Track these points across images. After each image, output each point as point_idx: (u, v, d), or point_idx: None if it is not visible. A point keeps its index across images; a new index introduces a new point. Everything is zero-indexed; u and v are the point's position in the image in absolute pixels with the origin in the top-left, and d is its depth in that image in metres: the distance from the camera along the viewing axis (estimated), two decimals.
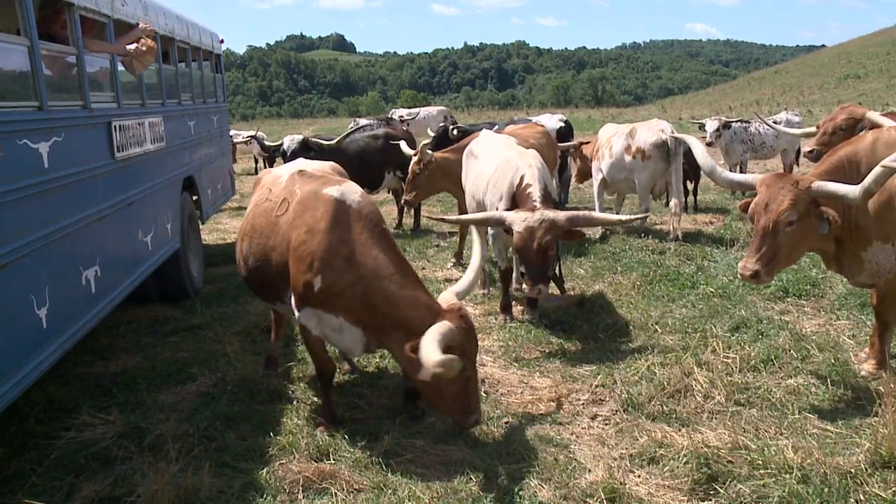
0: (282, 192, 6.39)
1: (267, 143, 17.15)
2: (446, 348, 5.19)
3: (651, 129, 12.40)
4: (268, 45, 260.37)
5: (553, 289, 8.41)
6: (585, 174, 14.42)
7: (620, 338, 8.05)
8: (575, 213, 7.72)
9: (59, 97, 6.25)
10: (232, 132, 21.11)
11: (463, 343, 5.42)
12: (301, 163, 7.17)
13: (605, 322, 8.47)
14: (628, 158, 12.46)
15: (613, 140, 12.85)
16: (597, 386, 6.89)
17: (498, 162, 8.73)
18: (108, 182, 7.01)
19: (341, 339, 5.99)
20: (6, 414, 5.22)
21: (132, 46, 7.58)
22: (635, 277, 10.12)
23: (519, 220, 7.59)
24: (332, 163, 7.37)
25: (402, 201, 12.28)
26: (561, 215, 7.56)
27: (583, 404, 6.60)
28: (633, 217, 8.20)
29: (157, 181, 8.66)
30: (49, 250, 5.55)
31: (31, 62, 5.72)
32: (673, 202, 12.32)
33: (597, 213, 7.75)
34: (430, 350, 5.12)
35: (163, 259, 8.74)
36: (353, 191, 6.04)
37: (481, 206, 8.92)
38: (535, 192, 7.90)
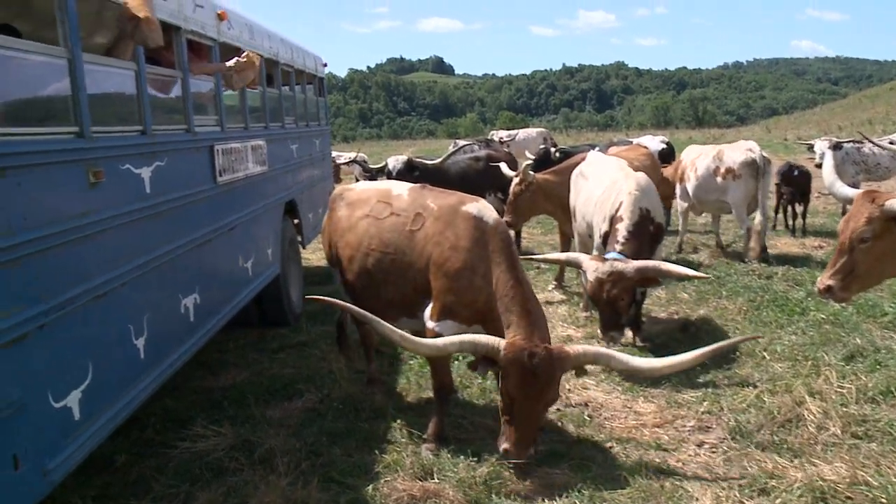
0: (411, 206, 6.48)
1: (369, 165, 17.27)
2: (480, 358, 5.54)
3: (739, 150, 12.38)
4: (368, 67, 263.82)
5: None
6: (667, 197, 14.20)
7: (726, 364, 7.80)
8: (645, 264, 7.62)
9: (162, 121, 6.28)
10: (334, 154, 21.48)
11: (507, 369, 5.40)
12: (373, 181, 7.32)
13: None
14: (719, 179, 12.41)
15: (698, 162, 12.86)
16: (703, 412, 6.75)
17: (606, 184, 8.75)
18: (210, 207, 7.02)
19: None
20: (128, 421, 5.29)
21: (232, 61, 7.60)
22: (741, 302, 9.87)
23: (591, 270, 7.59)
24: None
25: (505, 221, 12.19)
26: (630, 267, 7.47)
27: (689, 431, 6.45)
28: (702, 275, 8.26)
29: (259, 205, 8.66)
30: (149, 278, 5.53)
31: (137, 86, 5.76)
32: (758, 219, 12.14)
33: (667, 265, 7.66)
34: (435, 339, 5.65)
35: (263, 285, 8.73)
36: (488, 208, 6.20)
37: (590, 228, 8.98)
38: (623, 228, 7.98)
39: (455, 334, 5.92)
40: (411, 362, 8.20)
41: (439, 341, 5.59)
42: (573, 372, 5.76)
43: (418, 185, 6.90)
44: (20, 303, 3.90)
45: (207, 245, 6.85)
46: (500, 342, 5.42)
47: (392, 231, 6.42)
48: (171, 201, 6.06)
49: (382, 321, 5.62)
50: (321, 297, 6.09)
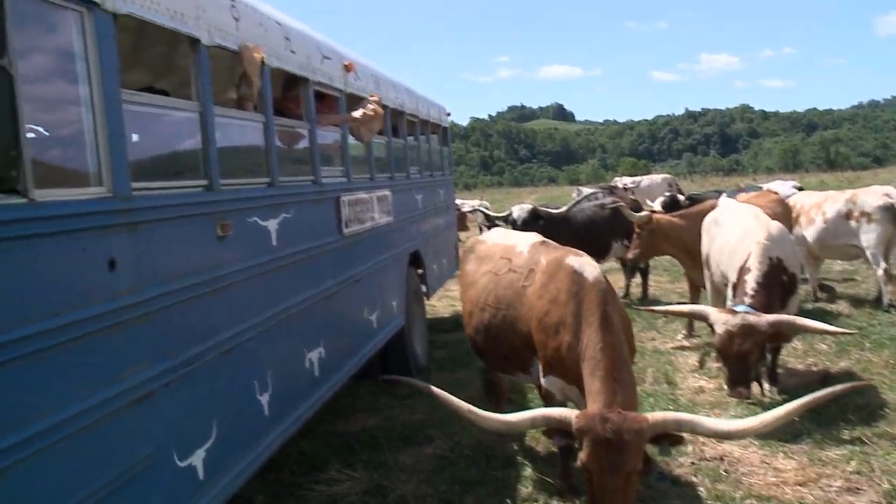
0: (526, 262, 6.41)
1: (490, 213, 17.24)
2: (551, 430, 5.13)
3: (875, 194, 12.10)
4: (489, 116, 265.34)
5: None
6: None
7: (874, 421, 7.37)
8: (779, 318, 7.35)
9: (289, 172, 6.25)
10: (458, 201, 21.56)
11: (580, 441, 4.85)
12: (505, 232, 7.44)
13: (854, 402, 7.77)
14: (852, 223, 12.09)
15: (826, 206, 12.54)
16: (851, 472, 6.34)
17: (738, 232, 8.54)
18: (336, 259, 6.96)
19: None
20: (265, 464, 5.31)
21: (358, 113, 7.59)
22: (887, 355, 9.39)
23: (720, 323, 7.38)
24: (534, 233, 7.30)
25: (626, 258, 12.24)
26: (763, 321, 7.22)
27: (835, 492, 6.06)
28: (842, 330, 7.88)
29: (385, 256, 8.60)
30: (274, 332, 5.47)
31: (265, 138, 5.76)
32: None
33: (802, 320, 7.36)
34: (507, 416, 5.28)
35: (387, 338, 8.65)
36: (590, 264, 5.97)
37: (724, 277, 8.72)
38: (752, 279, 7.77)
39: (560, 391, 5.87)
40: None
41: (511, 417, 5.24)
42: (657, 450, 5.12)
43: (539, 240, 6.80)
44: (148, 360, 3.85)
45: (333, 298, 6.79)
46: (572, 413, 4.96)
47: (507, 287, 6.40)
48: (298, 254, 6.02)
49: (449, 396, 5.40)
50: (396, 378, 6.65)
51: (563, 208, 13.66)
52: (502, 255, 6.76)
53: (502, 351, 6.50)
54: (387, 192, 8.89)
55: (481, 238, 7.72)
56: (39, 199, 3.19)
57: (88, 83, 3.60)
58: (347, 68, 7.73)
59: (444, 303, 15.32)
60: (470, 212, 23.29)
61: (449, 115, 14.38)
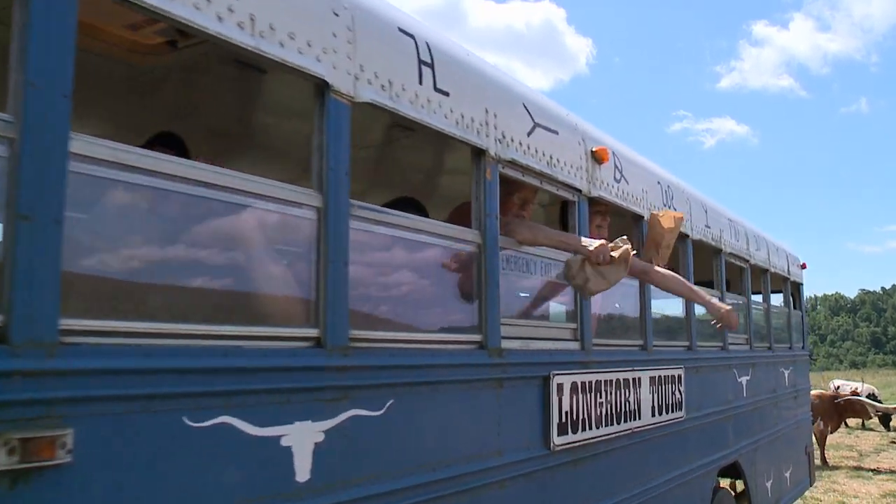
0: None
1: (877, 399, 13.54)
2: None
3: None
4: (883, 288, 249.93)
5: None
6: None
7: None
8: None
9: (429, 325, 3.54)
10: (838, 381, 20.43)
11: None
12: None
13: None
14: None
15: None
16: None
17: None
18: (535, 491, 3.85)
19: None
20: None
21: (594, 244, 4.24)
22: None
23: None
24: None
25: None
26: None
27: None
28: None
29: (654, 484, 5.20)
30: None
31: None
32: None
33: None
34: None
35: None
36: None
37: None
38: None
39: None
40: None
41: None
42: None
43: None
44: None
45: None
46: None
47: None
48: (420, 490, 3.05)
49: None
50: None
51: None
52: None
53: None
54: (675, 372, 5.61)
55: None
56: None
57: None
58: (598, 156, 4.62)
59: (831, 497, 12.57)
60: (855, 397, 19.50)
61: (803, 267, 10.78)
